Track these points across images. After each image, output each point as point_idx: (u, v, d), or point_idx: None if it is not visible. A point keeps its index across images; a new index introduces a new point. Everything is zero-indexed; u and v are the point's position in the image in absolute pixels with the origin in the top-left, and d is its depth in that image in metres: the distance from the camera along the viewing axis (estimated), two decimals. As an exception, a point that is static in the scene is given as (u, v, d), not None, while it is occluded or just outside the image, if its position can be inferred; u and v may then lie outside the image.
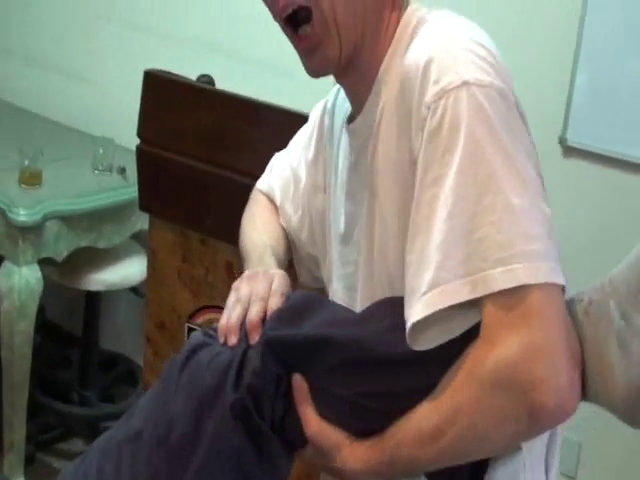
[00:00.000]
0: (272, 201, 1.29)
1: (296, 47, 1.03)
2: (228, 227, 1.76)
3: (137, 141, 1.83)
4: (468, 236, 0.85)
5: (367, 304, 1.02)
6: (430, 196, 0.88)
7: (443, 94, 0.87)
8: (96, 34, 2.82)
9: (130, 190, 2.46)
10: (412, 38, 0.97)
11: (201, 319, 1.89)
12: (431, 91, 0.88)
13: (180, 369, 1.02)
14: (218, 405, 0.97)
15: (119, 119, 2.59)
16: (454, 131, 0.86)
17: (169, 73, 1.79)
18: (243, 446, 0.96)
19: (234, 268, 1.81)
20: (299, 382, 0.97)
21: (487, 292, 0.84)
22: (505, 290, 0.83)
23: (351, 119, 1.07)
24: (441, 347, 0.88)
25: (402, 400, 0.92)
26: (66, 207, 2.36)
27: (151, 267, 1.93)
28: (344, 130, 1.09)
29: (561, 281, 0.85)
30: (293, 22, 0.99)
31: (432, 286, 0.86)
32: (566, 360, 0.83)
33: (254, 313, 1.01)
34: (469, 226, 0.85)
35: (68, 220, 2.37)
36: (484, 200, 0.85)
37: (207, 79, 1.78)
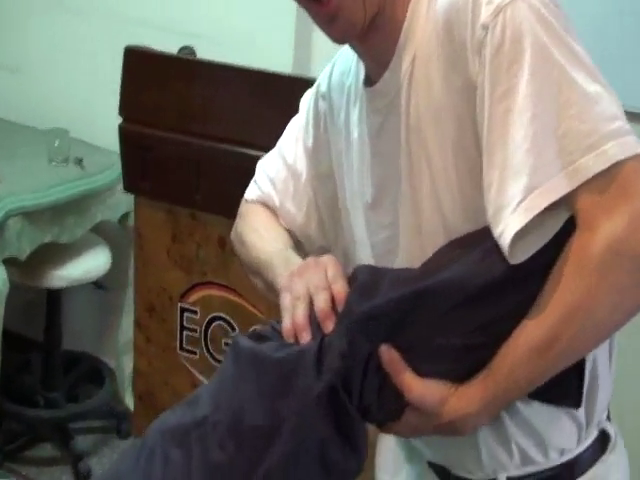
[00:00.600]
0: (267, 207, 1.24)
1: (315, 16, 1.00)
2: (220, 199, 1.76)
3: (119, 120, 1.80)
4: (554, 134, 0.87)
5: (412, 262, 1.01)
6: (503, 110, 0.89)
7: (499, 10, 0.89)
8: (30, 24, 2.75)
9: (89, 181, 2.42)
10: None
11: (194, 297, 1.88)
12: (486, 12, 0.89)
13: (245, 357, 0.99)
14: (295, 394, 0.93)
15: (67, 110, 2.54)
16: (517, 42, 0.88)
17: (149, 48, 1.77)
18: (328, 434, 0.93)
19: (227, 241, 1.81)
20: (389, 352, 0.94)
21: (584, 179, 0.86)
22: (599, 174, 0.86)
23: (370, 83, 1.05)
24: (538, 257, 0.89)
25: (506, 325, 0.92)
26: (28, 202, 2.29)
27: (138, 249, 1.90)
28: (361, 97, 1.07)
29: None
30: None
31: (529, 190, 0.87)
32: None
33: (322, 302, 0.96)
34: (553, 125, 0.88)
35: (30, 216, 2.31)
36: (561, 97, 0.87)
37: (189, 51, 1.77)
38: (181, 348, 1.91)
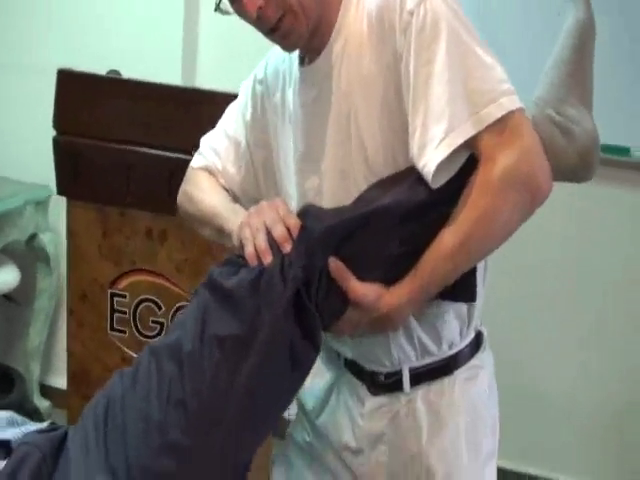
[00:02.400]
0: (210, 172, 1.52)
1: (270, 38, 1.30)
2: (147, 197, 2.08)
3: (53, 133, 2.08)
4: (464, 91, 1.18)
5: (338, 204, 1.28)
6: (425, 74, 1.19)
7: (422, 1, 1.21)
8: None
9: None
10: None
11: (123, 283, 2.16)
12: (411, 2, 1.21)
13: (213, 284, 1.22)
14: (266, 303, 1.16)
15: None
16: (435, 24, 1.20)
17: (78, 70, 2.07)
18: (295, 332, 1.17)
19: (154, 232, 2.12)
20: (336, 263, 1.20)
21: (487, 123, 1.17)
22: (497, 120, 1.18)
23: (305, 64, 1.36)
24: (451, 184, 1.19)
25: (427, 237, 1.20)
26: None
27: (71, 247, 2.17)
28: (296, 72, 1.37)
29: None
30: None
31: (449, 131, 1.17)
32: (544, 154, 1.21)
33: (280, 231, 1.21)
34: (463, 84, 1.18)
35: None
36: (468, 65, 1.19)
37: (115, 73, 2.08)
38: (112, 329, 2.19)
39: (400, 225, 1.22)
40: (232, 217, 1.36)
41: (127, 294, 2.15)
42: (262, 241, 1.22)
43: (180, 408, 1.16)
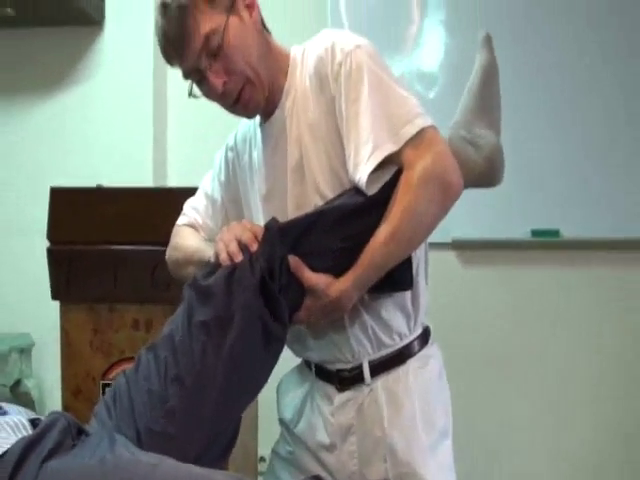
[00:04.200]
0: (192, 227, 1.81)
1: (231, 110, 1.60)
2: (134, 290, 2.34)
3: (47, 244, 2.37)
4: (385, 117, 1.48)
5: None
6: (354, 110, 1.48)
7: (347, 54, 1.49)
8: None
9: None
10: (303, 54, 1.57)
11: (114, 373, 2.37)
12: (339, 56, 1.49)
13: (195, 284, 1.47)
14: (239, 290, 1.40)
15: None
16: (360, 71, 1.48)
17: (69, 187, 2.40)
18: (265, 312, 1.41)
19: (140, 322, 2.36)
20: (293, 258, 1.46)
21: (405, 139, 1.45)
22: (413, 136, 1.46)
23: (264, 122, 1.63)
24: (382, 193, 1.47)
25: (368, 234, 1.47)
26: None
27: (64, 345, 2.39)
28: (258, 134, 1.66)
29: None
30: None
31: (375, 149, 1.45)
32: (454, 159, 1.49)
33: (247, 236, 1.46)
34: (384, 112, 1.47)
35: None
36: (388, 97, 1.49)
37: (99, 187, 2.41)
38: (106, 418, 2.37)
39: (341, 225, 1.50)
40: (210, 248, 1.61)
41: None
42: (234, 247, 1.47)
43: (176, 382, 1.39)
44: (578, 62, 3.03)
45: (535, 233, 3.05)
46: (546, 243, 3.06)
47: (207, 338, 1.40)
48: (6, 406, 1.40)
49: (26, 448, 1.22)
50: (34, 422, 1.36)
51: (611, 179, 3.00)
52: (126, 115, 3.30)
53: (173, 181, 3.30)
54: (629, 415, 3.02)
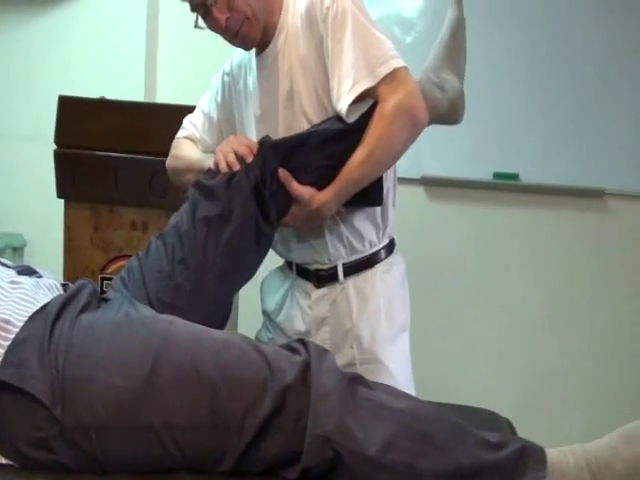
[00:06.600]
0: (190, 140, 2.03)
1: (229, 41, 1.80)
2: (132, 195, 2.59)
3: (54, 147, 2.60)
4: (364, 57, 1.69)
5: None
6: (338, 48, 1.67)
7: (334, 1, 1.69)
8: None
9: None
10: None
11: (112, 268, 2.62)
12: (327, 1, 1.68)
13: (199, 184, 1.69)
14: (236, 192, 1.63)
15: None
16: (345, 15, 1.68)
17: (75, 96, 2.62)
18: (258, 212, 1.63)
19: (137, 223, 2.61)
20: (283, 171, 1.66)
21: (380, 77, 1.68)
22: (387, 75, 1.69)
23: (259, 53, 1.85)
24: (360, 120, 1.69)
25: (347, 155, 1.68)
26: None
27: (67, 239, 2.63)
28: (253, 63, 1.86)
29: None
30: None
31: (353, 84, 1.66)
32: (421, 96, 1.72)
33: (243, 149, 1.66)
34: (364, 52, 1.66)
35: None
36: (368, 39, 1.70)
37: (102, 99, 2.63)
38: (101, 308, 2.62)
39: (325, 146, 1.73)
40: (209, 159, 1.83)
41: (114, 277, 2.60)
42: (232, 158, 1.68)
43: (182, 263, 1.64)
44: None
45: (496, 175, 3.33)
46: (506, 185, 3.34)
47: (208, 230, 1.64)
48: (40, 271, 1.64)
49: (64, 303, 1.46)
50: (64, 286, 1.61)
51: (567, 133, 3.28)
52: (120, 35, 3.50)
53: (162, 98, 3.51)
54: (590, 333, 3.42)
